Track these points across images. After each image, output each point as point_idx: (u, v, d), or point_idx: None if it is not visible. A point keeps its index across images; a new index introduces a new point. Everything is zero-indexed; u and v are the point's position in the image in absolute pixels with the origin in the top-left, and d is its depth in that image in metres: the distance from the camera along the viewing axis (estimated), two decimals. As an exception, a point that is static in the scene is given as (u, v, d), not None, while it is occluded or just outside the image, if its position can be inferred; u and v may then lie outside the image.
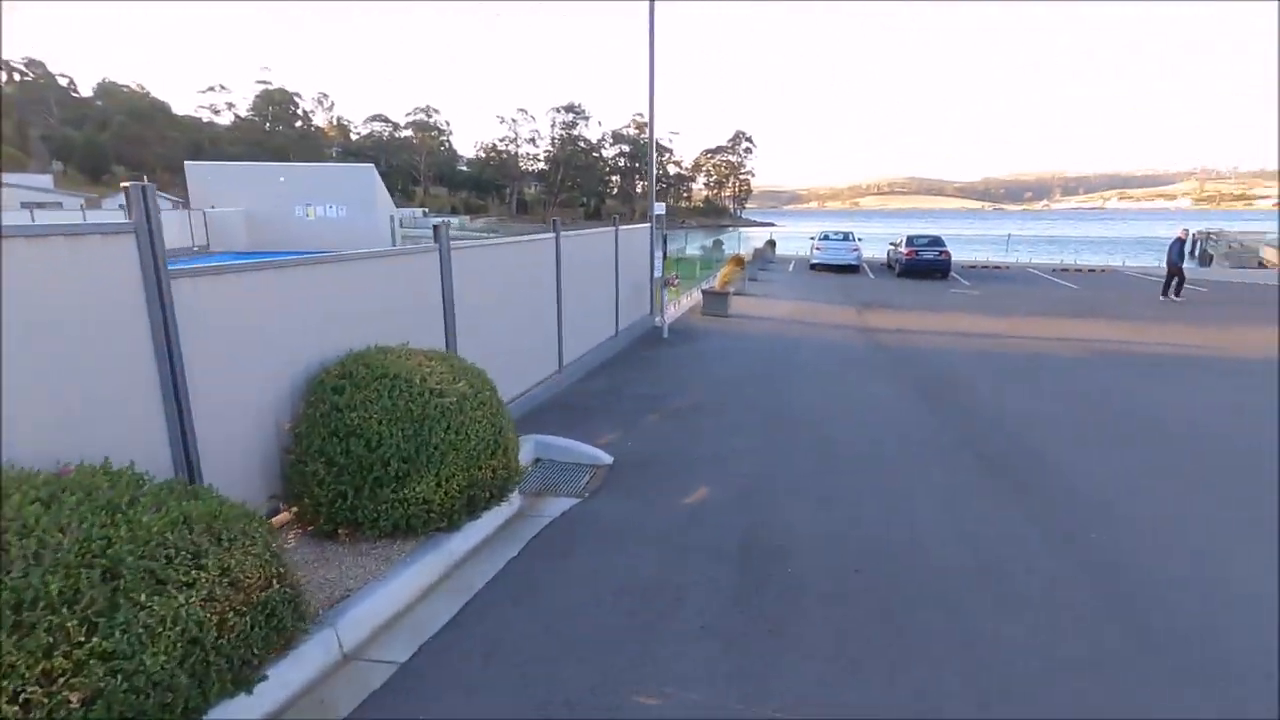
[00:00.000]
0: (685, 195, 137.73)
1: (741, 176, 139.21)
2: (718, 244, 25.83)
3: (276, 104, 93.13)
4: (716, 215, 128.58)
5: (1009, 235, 47.89)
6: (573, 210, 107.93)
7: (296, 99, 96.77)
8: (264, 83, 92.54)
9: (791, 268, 24.73)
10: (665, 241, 12.48)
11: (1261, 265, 30.07)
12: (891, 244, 24.69)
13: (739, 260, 16.67)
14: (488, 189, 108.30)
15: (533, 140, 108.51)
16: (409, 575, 3.70)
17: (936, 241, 22.21)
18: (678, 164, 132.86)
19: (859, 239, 25.34)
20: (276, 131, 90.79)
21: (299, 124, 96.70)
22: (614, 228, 10.05)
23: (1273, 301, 16.09)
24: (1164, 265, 17.90)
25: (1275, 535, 4.41)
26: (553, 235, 7.76)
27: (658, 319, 11.89)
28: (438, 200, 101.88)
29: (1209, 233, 45.31)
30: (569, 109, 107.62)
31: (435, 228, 5.53)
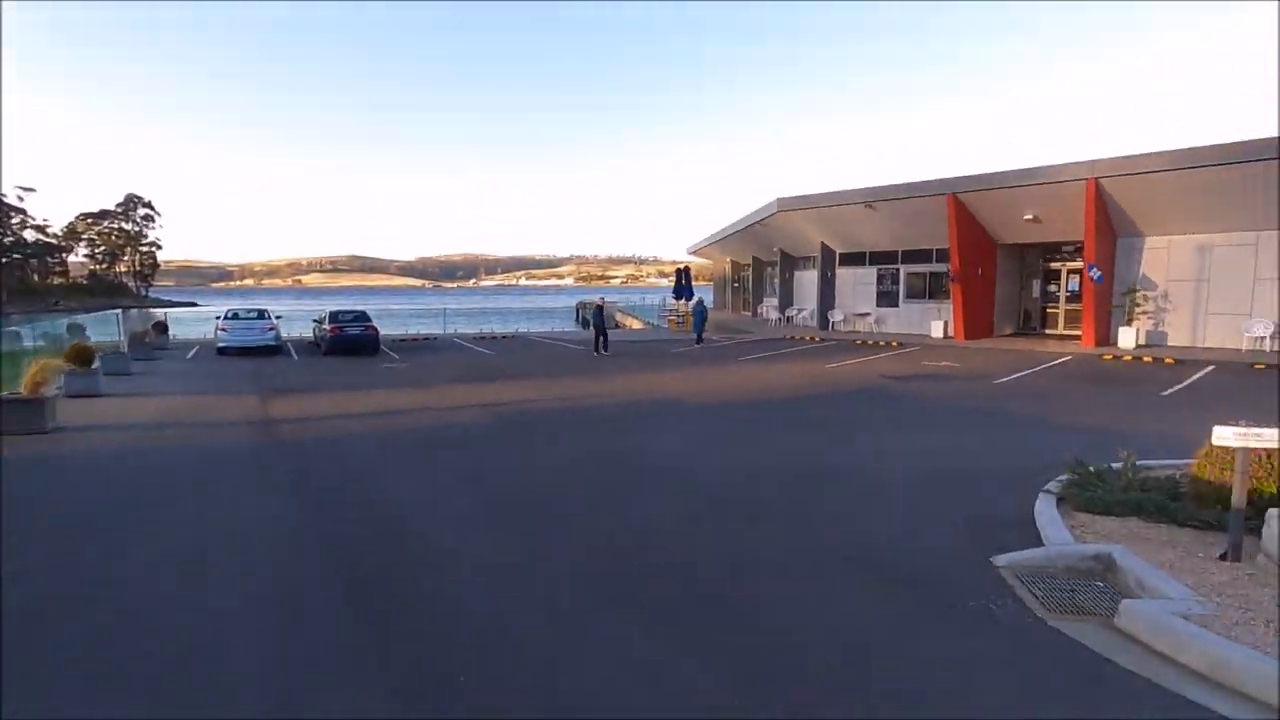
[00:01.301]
0: (58, 269, 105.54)
1: (143, 248, 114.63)
2: (76, 329, 19.29)
3: None
4: (110, 294, 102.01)
5: (445, 309, 52.64)
6: None
7: None
8: None
9: (194, 354, 20.39)
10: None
11: (617, 325, 39.54)
12: (315, 320, 22.89)
13: (79, 351, 12.22)
14: None
15: None
16: None
17: (362, 316, 21.55)
18: (39, 229, 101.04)
19: (277, 316, 22.67)
20: None
21: None
22: None
23: (649, 353, 20.63)
24: (562, 329, 21.11)
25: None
26: None
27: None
28: None
29: (584, 302, 58.43)
30: None
31: None
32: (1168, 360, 16.59)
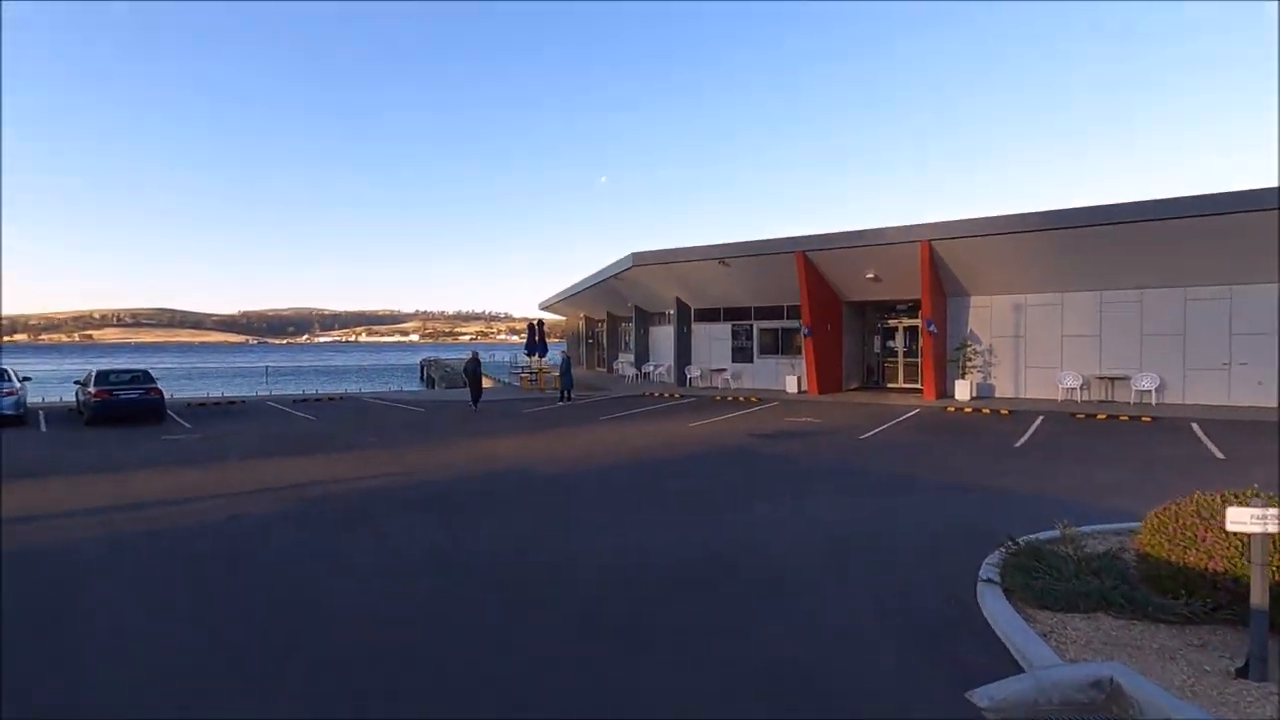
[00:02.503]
0: None
1: None
2: None
3: None
4: None
5: (267, 368, 46.68)
6: None
7: None
8: None
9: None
10: None
11: (466, 385, 36.83)
12: (77, 382, 18.55)
13: None
14: None
15: None
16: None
17: (142, 377, 17.72)
18: None
19: (24, 378, 18.06)
20: None
21: None
22: None
23: (503, 412, 18.53)
24: (401, 389, 18.74)
25: None
26: None
27: None
28: None
29: (432, 361, 54.72)
30: None
31: None
32: (1003, 411, 17.51)
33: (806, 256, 21.69)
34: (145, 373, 18.22)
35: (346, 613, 5.00)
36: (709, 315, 27.32)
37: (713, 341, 27.17)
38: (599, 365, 39.24)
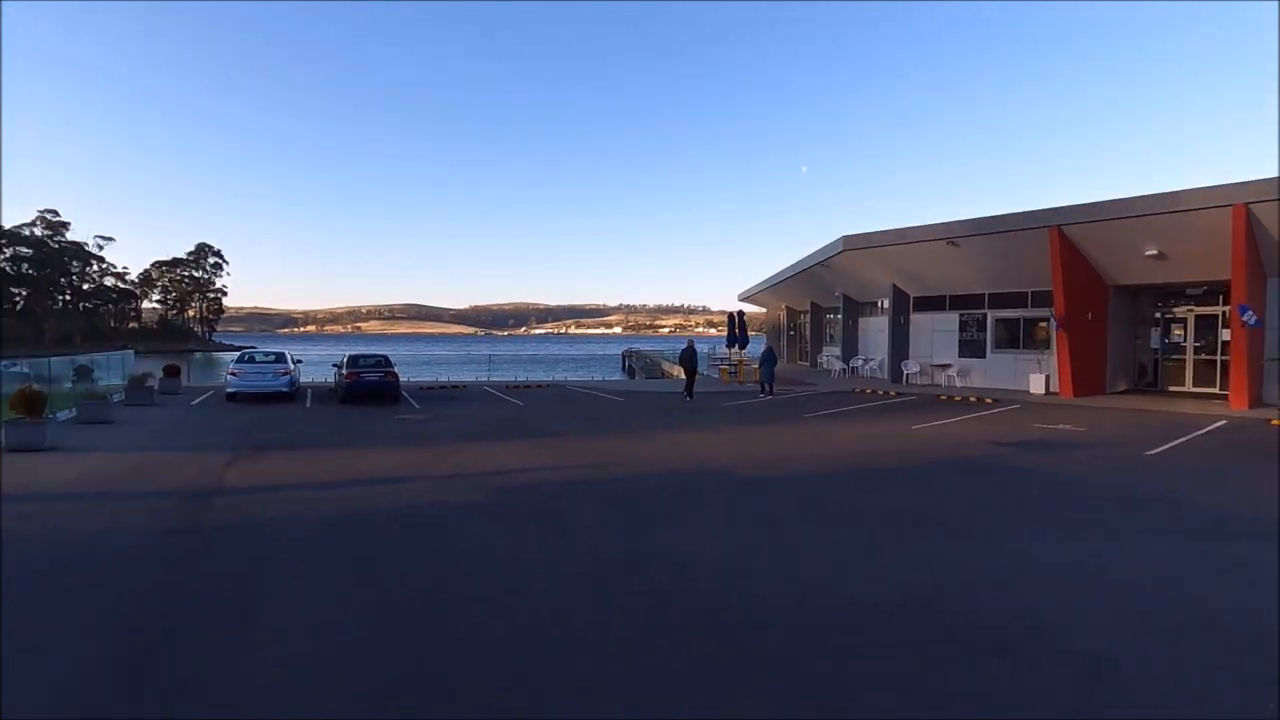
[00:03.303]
0: (133, 314, 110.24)
1: (211, 295, 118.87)
2: (84, 371, 17.91)
3: None
4: (179, 339, 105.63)
5: (489, 356, 51.75)
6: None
7: None
8: None
9: (201, 400, 18.68)
10: None
11: (664, 375, 37.02)
12: (335, 365, 21.11)
13: (26, 398, 10.41)
14: None
15: None
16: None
17: (383, 362, 19.65)
18: (119, 276, 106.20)
19: (297, 360, 21.00)
20: None
21: None
22: None
23: (701, 406, 18.05)
24: (604, 379, 19.00)
25: None
26: None
27: None
28: None
29: (632, 352, 56.32)
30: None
31: None
32: (1364, 429, 12.97)
33: (1062, 232, 18.09)
34: (385, 358, 20.30)
35: (509, 624, 4.39)
36: (931, 304, 24.24)
37: (935, 333, 24.07)
38: (801, 359, 37.21)
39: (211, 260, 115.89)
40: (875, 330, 27.18)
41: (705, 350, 42.71)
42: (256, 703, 3.45)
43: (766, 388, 21.87)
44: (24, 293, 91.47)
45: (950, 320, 23.55)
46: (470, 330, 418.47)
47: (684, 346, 22.69)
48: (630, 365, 50.74)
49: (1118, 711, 3.38)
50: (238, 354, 19.74)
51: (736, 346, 27.21)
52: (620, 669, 3.87)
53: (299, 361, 21.63)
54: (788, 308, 39.66)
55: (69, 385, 17.18)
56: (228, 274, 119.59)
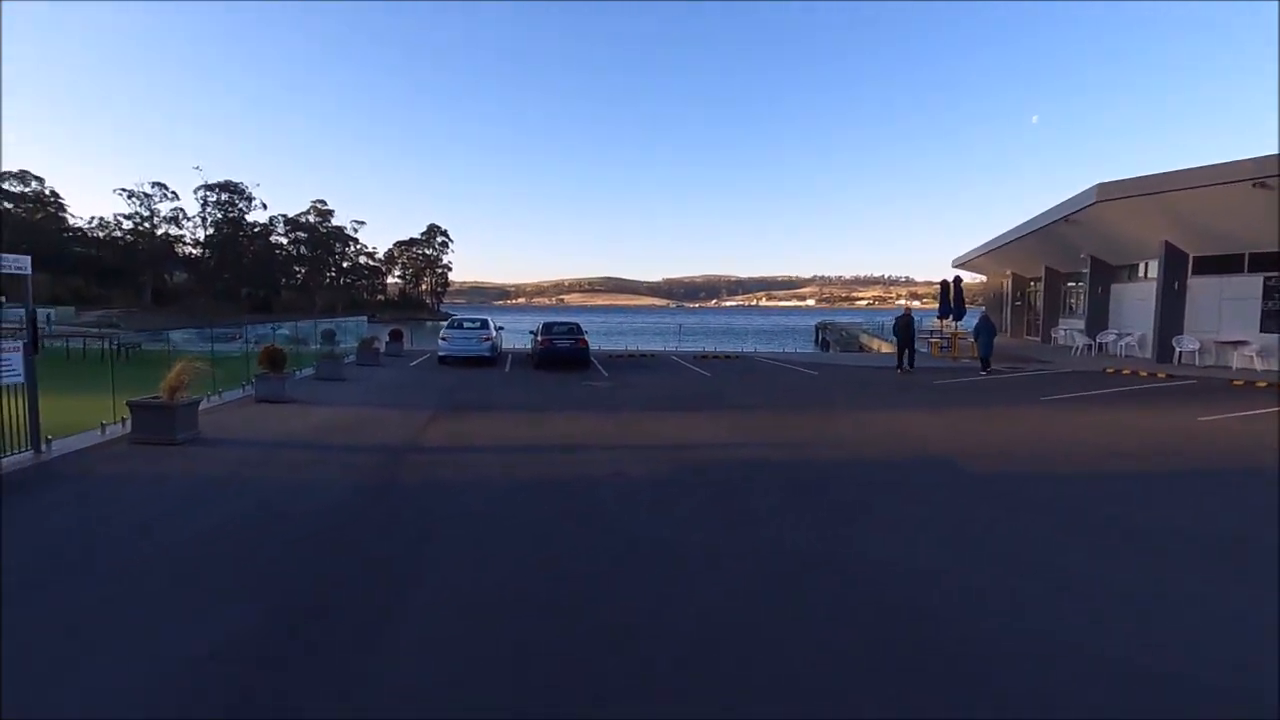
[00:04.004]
0: (380, 288, 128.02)
1: (439, 270, 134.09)
2: (328, 335, 20.44)
3: None
4: (414, 309, 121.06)
5: (680, 325, 52.33)
6: (234, 302, 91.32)
7: None
8: None
9: (418, 363, 20.45)
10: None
11: (861, 349, 34.32)
12: (532, 332, 22.01)
13: (270, 354, 11.74)
14: (111, 276, 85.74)
15: (175, 220, 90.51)
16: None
17: (574, 330, 20.07)
18: (369, 255, 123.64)
19: (499, 328, 22.23)
20: None
21: None
22: None
23: (909, 383, 16.25)
24: (794, 351, 17.83)
25: None
26: None
27: None
28: (33, 287, 77.29)
29: (826, 325, 53.24)
30: (225, 187, 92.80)
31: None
32: None
33: None
34: (577, 326, 20.74)
35: (677, 629, 3.57)
36: (1220, 265, 19.27)
37: (1225, 302, 19.12)
38: (1029, 333, 32.28)
39: (439, 239, 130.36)
40: (1134, 298, 22.40)
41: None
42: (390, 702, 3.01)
43: (986, 364, 18.95)
44: (303, 270, 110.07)
45: (1250, 285, 18.48)
46: (663, 302, 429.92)
47: (899, 315, 20.66)
48: (824, 338, 48.00)
49: None
50: (450, 321, 21.34)
51: (950, 318, 24.04)
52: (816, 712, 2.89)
53: (501, 329, 22.94)
54: (1013, 274, 34.52)
55: (315, 347, 19.72)
56: (453, 251, 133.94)
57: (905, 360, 19.78)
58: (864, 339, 36.87)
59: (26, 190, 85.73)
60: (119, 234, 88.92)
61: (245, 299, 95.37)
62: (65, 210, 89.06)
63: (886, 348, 32.31)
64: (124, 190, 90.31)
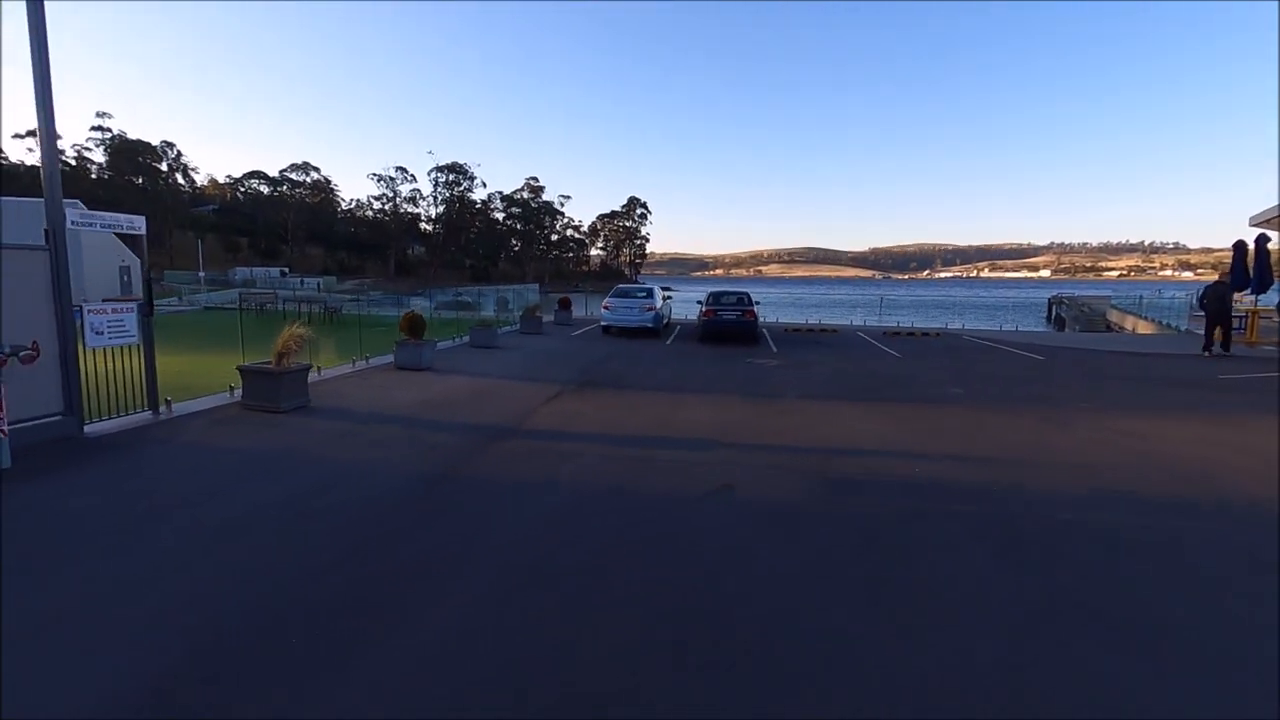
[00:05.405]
0: (584, 260, 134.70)
1: (637, 241, 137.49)
2: (502, 302, 20.74)
3: (135, 154, 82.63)
4: (613, 279, 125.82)
5: (881, 298, 47.38)
6: (459, 272, 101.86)
7: (165, 150, 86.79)
8: (102, 129, 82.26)
9: (580, 332, 19.93)
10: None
11: (1109, 328, 28.07)
12: (699, 303, 20.46)
13: (410, 321, 11.57)
14: (366, 249, 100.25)
15: (413, 200, 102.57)
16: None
17: (742, 300, 18.20)
18: (575, 228, 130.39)
19: (667, 295, 21.02)
20: (127, 184, 79.79)
21: (163, 178, 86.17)
22: None
23: (1193, 378, 12.49)
24: (1014, 328, 14.47)
25: None
26: None
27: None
28: (310, 261, 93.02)
29: (1062, 299, 44.97)
30: (452, 169, 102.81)
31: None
32: None
33: None
34: (746, 296, 18.79)
35: None
36: None
37: None
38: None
39: (639, 211, 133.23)
40: None
41: (1183, 296, 30.87)
42: None
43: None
44: (518, 244, 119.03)
45: None
46: (868, 274, 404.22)
47: (1210, 284, 16.55)
48: (1058, 314, 40.58)
49: None
50: (614, 288, 20.45)
51: (1250, 291, 18.13)
52: None
53: (669, 298, 21.71)
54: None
55: (489, 313, 20.02)
56: (650, 223, 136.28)
57: (1213, 344, 16.08)
58: (1113, 315, 30.14)
59: (306, 179, 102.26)
60: (370, 213, 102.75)
61: (468, 269, 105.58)
62: (336, 195, 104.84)
63: (1145, 326, 25.90)
64: (375, 175, 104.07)
